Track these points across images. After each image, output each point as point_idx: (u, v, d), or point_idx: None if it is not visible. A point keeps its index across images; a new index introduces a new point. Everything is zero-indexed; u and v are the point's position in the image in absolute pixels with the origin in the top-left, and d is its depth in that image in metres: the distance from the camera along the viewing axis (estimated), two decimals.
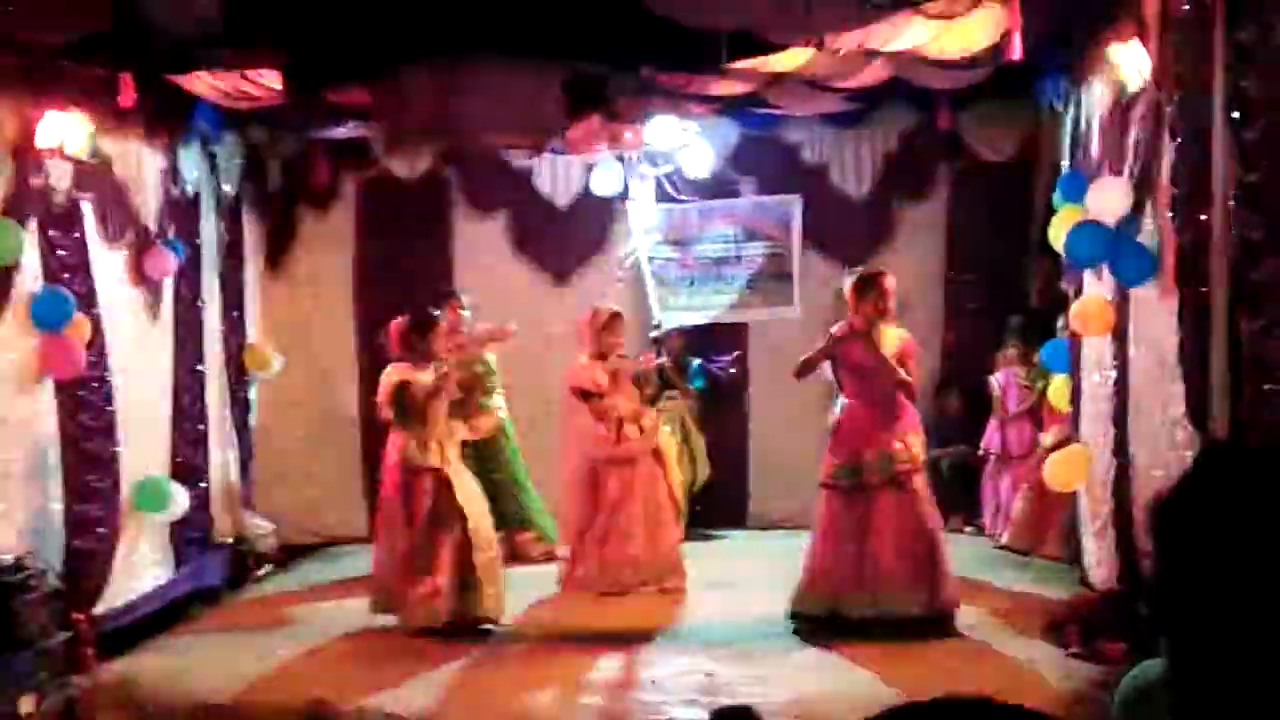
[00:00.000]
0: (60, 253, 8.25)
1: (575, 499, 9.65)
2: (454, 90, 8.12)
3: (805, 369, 8.62)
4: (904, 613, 8.03)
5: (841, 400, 8.57)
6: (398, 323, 8.93)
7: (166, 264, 9.54)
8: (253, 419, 11.62)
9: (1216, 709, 1.61)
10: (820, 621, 8.19)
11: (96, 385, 8.52)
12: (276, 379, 11.69)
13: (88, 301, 8.45)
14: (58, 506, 8.07)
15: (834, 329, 8.64)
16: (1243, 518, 1.61)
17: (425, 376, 8.67)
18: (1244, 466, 1.69)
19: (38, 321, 7.92)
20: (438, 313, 9.33)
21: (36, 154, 7.97)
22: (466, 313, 10.83)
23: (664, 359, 11.55)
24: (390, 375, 8.79)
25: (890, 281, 8.60)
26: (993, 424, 11.14)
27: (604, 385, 9.57)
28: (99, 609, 8.45)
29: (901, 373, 8.38)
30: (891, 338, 8.51)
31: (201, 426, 10.38)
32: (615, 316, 9.84)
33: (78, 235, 8.47)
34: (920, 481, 8.34)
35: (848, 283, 9.06)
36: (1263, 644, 1.56)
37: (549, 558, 10.19)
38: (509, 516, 10.44)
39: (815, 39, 7.80)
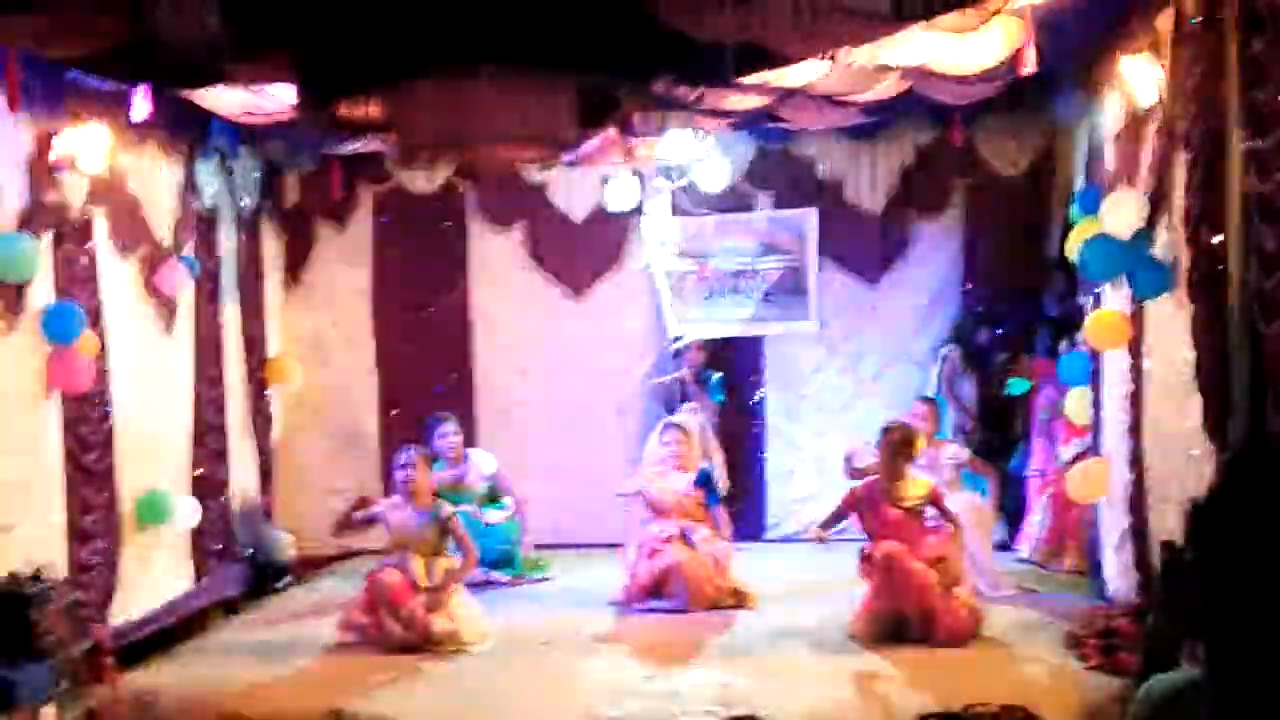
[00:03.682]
0: (72, 266, 8.29)
1: None
2: (466, 103, 8.13)
3: (829, 525, 8.75)
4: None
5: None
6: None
7: (180, 279, 9.59)
8: (273, 432, 11.67)
9: (1257, 709, 1.63)
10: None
11: (99, 399, 8.55)
12: (296, 392, 11.75)
13: (96, 315, 8.50)
14: (60, 519, 8.11)
15: (855, 486, 8.79)
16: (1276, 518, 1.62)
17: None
18: (1274, 468, 1.70)
19: (48, 335, 7.95)
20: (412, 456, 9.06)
21: (52, 168, 8.02)
22: (457, 438, 10.78)
23: (683, 372, 11.59)
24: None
25: (912, 433, 8.71)
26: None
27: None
28: (118, 620, 8.49)
29: (938, 513, 8.60)
30: (920, 485, 8.58)
31: (222, 440, 10.44)
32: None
33: (90, 249, 8.52)
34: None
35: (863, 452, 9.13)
36: None
37: None
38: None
39: (826, 52, 7.83)
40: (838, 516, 8.74)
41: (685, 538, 9.49)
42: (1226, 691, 1.67)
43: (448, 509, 8.77)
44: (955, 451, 9.72)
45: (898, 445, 8.54)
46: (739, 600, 9.37)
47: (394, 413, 12.04)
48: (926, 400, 10.20)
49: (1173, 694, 2.44)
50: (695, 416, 11.05)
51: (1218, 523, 1.71)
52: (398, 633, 8.33)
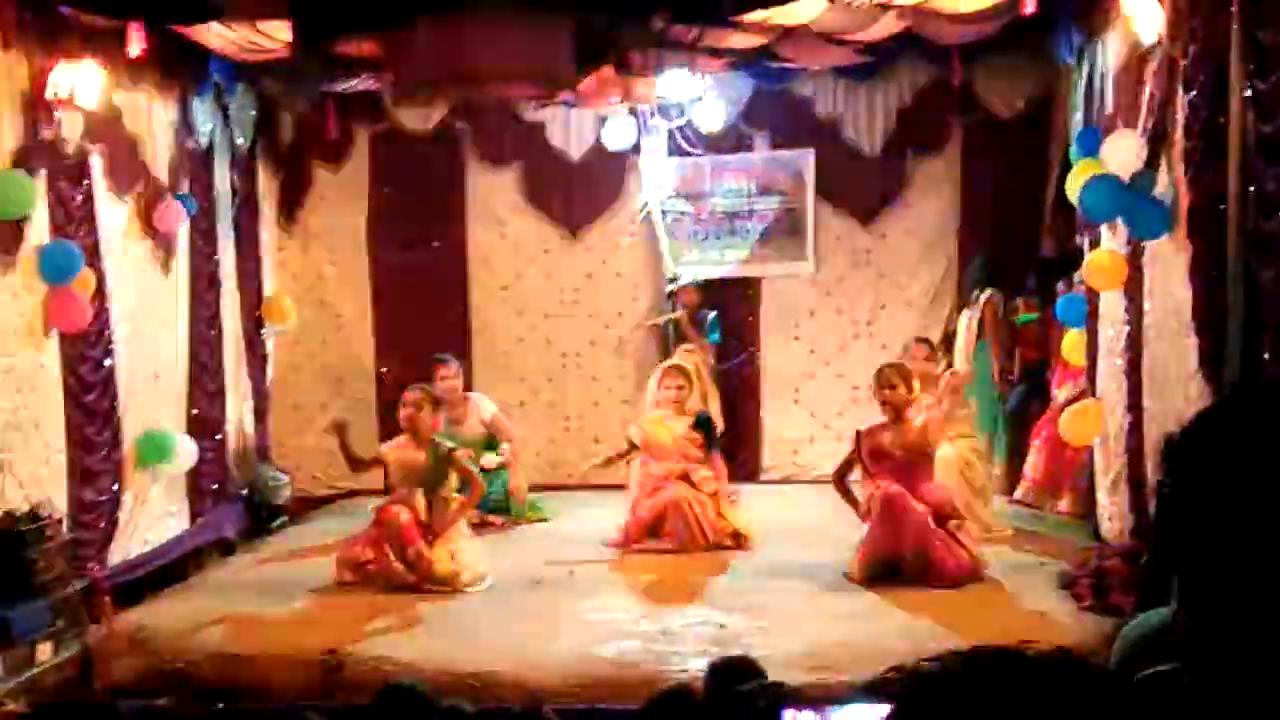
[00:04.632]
0: (68, 205, 8.27)
1: None
2: (462, 40, 8.10)
3: (844, 474, 8.70)
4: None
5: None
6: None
7: (176, 217, 9.55)
8: (269, 371, 11.67)
9: (1225, 648, 1.62)
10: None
11: (99, 338, 8.56)
12: (292, 331, 11.74)
13: (93, 254, 8.47)
14: (61, 458, 8.12)
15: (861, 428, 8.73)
16: (1258, 451, 1.61)
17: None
18: (1261, 404, 1.69)
19: (45, 274, 7.93)
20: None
21: (47, 105, 7.98)
22: (456, 380, 10.69)
23: (679, 312, 11.57)
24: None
25: (900, 372, 8.65)
26: None
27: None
28: (115, 559, 8.52)
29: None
30: (920, 427, 8.50)
31: (218, 379, 10.44)
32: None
33: (86, 187, 8.49)
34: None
35: None
36: (1273, 580, 1.57)
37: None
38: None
39: None
40: (850, 463, 8.72)
41: (686, 477, 9.51)
42: (1196, 626, 1.66)
43: (448, 445, 8.77)
44: (949, 379, 9.62)
45: (887, 386, 8.53)
46: (737, 542, 9.39)
47: (384, 370, 11.98)
48: (922, 340, 10.17)
49: (1151, 633, 2.44)
50: (691, 356, 11.03)
51: (1192, 457, 1.69)
52: (399, 571, 8.34)
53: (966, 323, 10.96)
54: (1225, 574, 1.59)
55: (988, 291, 10.95)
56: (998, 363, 10.89)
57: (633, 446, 9.84)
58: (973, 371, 10.24)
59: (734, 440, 11.40)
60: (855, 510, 8.51)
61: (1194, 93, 6.59)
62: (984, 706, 1.53)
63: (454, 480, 8.70)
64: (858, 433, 8.67)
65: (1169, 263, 7.27)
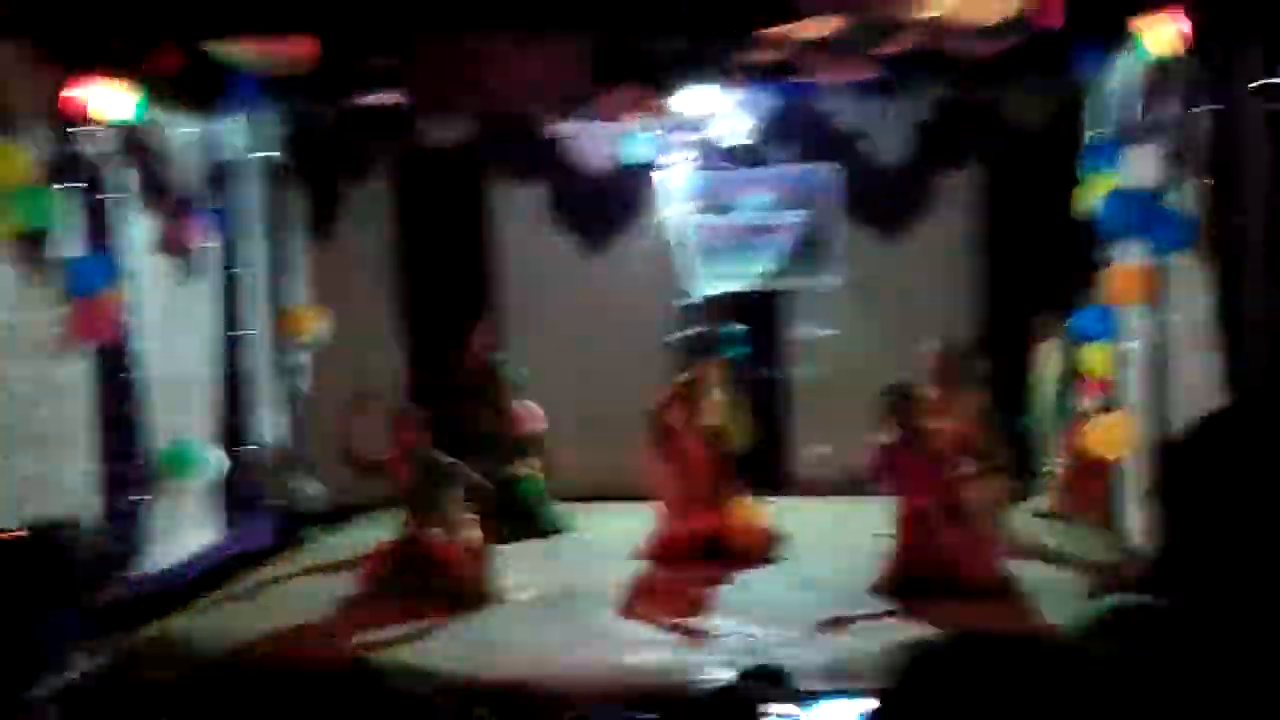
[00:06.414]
0: (96, 219, 8.37)
1: None
2: (482, 56, 8.16)
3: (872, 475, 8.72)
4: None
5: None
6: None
7: (204, 231, 9.65)
8: (303, 383, 11.74)
9: (1216, 641, 1.68)
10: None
11: (126, 350, 8.65)
12: (323, 344, 11.78)
13: (121, 267, 8.59)
14: (91, 469, 8.20)
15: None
16: (1252, 453, 1.67)
17: None
18: (1258, 410, 1.76)
19: (74, 286, 8.03)
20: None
21: (76, 120, 8.08)
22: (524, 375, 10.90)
23: (704, 327, 11.59)
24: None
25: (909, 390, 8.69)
26: None
27: None
28: (147, 569, 8.60)
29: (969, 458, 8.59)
30: (946, 435, 8.59)
31: (249, 391, 10.54)
32: None
33: (115, 202, 8.58)
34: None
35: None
36: (1266, 580, 1.63)
37: None
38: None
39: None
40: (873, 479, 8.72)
41: (713, 491, 9.55)
42: (1188, 621, 1.73)
43: (443, 458, 8.81)
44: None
45: (897, 404, 8.55)
46: (764, 553, 9.42)
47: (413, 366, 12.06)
48: (938, 345, 10.26)
49: (1114, 618, 2.51)
50: (715, 371, 11.09)
51: (1185, 461, 1.77)
52: (428, 582, 8.40)
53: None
54: (1215, 575, 1.65)
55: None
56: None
57: (654, 457, 9.88)
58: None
59: (762, 452, 11.41)
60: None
61: (1214, 107, 6.63)
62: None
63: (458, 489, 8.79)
64: (876, 452, 8.65)
65: (1191, 275, 7.30)
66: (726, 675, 6.17)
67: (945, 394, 8.99)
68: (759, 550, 9.42)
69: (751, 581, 8.88)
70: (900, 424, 8.51)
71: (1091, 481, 10.07)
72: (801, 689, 4.82)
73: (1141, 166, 7.85)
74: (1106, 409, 9.61)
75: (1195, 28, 7.04)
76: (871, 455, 8.65)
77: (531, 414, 10.84)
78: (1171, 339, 7.90)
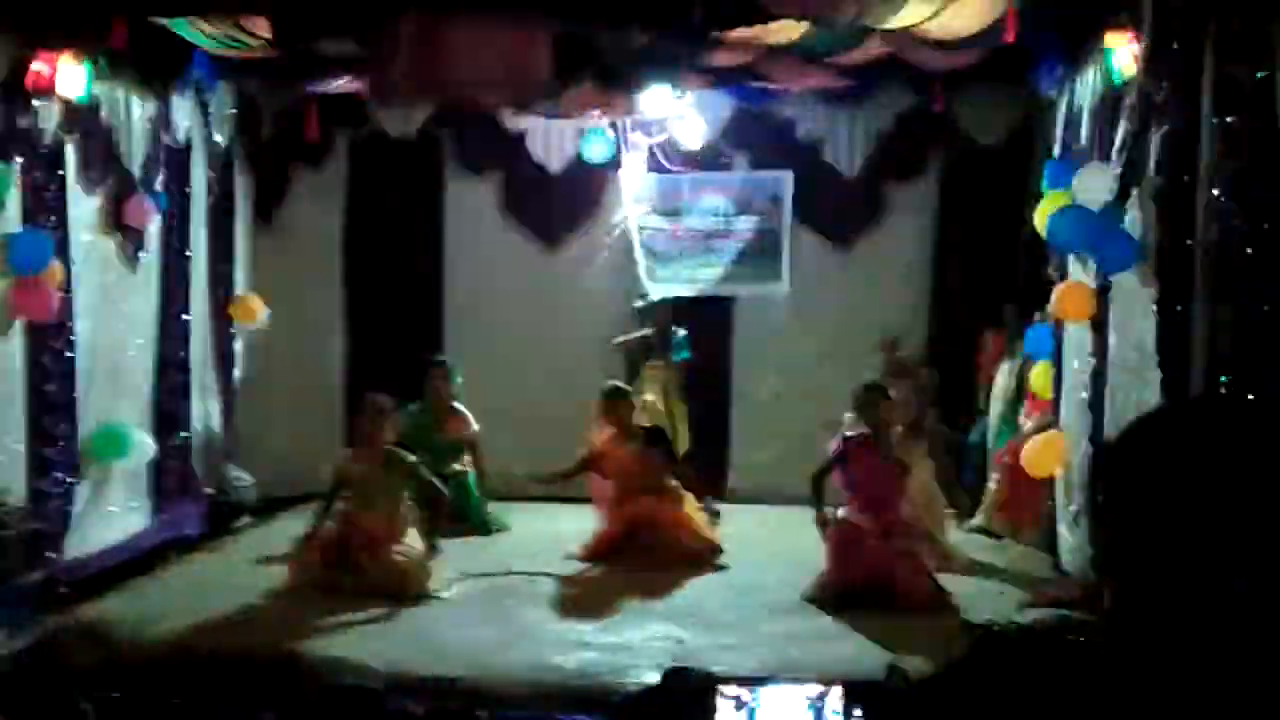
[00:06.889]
0: (39, 195, 8.26)
1: None
2: (441, 45, 8.09)
3: (818, 476, 8.71)
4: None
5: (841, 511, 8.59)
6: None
7: (147, 212, 9.52)
8: (237, 371, 11.62)
9: (1151, 653, 1.65)
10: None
11: (61, 329, 8.53)
12: (263, 332, 11.67)
13: (61, 245, 8.46)
14: (20, 447, 8.08)
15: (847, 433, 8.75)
16: (1190, 456, 1.65)
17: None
18: (1189, 414, 1.73)
19: (14, 264, 7.91)
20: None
21: (26, 94, 7.96)
22: (458, 380, 10.83)
23: (649, 330, 11.53)
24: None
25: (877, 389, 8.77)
26: None
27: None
28: (73, 552, 8.48)
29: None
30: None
31: (185, 376, 10.41)
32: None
33: (59, 178, 8.47)
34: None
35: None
36: (1201, 585, 1.60)
37: None
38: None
39: (809, 10, 7.80)
40: (829, 469, 8.69)
41: (655, 491, 9.52)
42: (1123, 631, 1.70)
43: (407, 456, 8.76)
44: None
45: (870, 401, 8.59)
46: (700, 557, 9.38)
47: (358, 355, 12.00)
48: (891, 339, 10.31)
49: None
50: (659, 374, 11.07)
51: (1121, 467, 1.73)
52: (360, 576, 8.32)
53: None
54: (1150, 584, 1.63)
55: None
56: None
57: (585, 465, 9.85)
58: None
59: (702, 458, 11.37)
60: (817, 516, 8.54)
61: (1166, 128, 6.64)
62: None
63: (412, 488, 8.73)
64: (844, 439, 8.65)
65: (1135, 297, 7.31)
66: (651, 678, 6.16)
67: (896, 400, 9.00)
68: (695, 554, 9.37)
69: (687, 586, 8.83)
70: (869, 421, 8.53)
71: (1026, 499, 10.07)
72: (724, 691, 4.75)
73: (1094, 184, 7.85)
74: (1045, 428, 9.61)
75: (1147, 49, 7.03)
76: (838, 442, 8.66)
77: (464, 419, 10.74)
78: (1114, 359, 7.90)
